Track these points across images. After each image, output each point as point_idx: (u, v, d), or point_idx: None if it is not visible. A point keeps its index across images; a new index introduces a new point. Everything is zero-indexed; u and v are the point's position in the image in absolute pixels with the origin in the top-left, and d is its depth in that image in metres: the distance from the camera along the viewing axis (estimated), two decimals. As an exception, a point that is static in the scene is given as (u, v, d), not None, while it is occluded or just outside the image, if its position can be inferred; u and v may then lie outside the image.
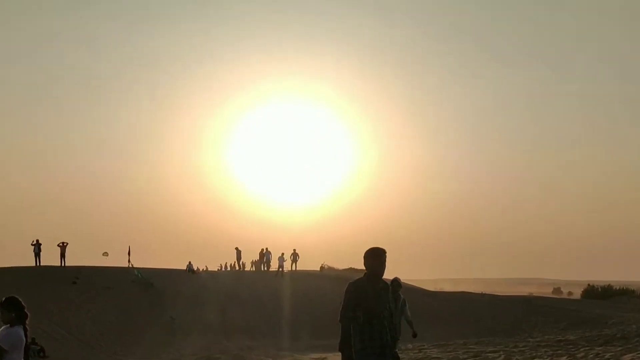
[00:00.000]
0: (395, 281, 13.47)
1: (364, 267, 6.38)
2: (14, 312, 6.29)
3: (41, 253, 44.62)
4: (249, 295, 41.74)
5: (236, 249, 54.63)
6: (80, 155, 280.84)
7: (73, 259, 45.41)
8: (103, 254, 51.49)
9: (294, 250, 51.63)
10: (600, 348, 18.45)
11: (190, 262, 50.42)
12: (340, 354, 6.27)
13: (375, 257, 6.33)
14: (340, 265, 64.47)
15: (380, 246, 6.38)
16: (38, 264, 44.28)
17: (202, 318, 36.19)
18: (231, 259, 57.83)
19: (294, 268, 51.09)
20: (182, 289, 41.61)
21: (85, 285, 38.87)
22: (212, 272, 55.22)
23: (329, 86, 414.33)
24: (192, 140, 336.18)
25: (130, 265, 47.45)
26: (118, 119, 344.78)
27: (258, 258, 54.94)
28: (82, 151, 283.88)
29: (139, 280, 41.56)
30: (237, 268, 55.35)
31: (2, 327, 6.33)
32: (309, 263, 56.70)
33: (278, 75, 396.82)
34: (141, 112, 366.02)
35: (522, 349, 20.42)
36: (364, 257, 6.35)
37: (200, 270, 53.13)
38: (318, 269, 59.18)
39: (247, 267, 56.45)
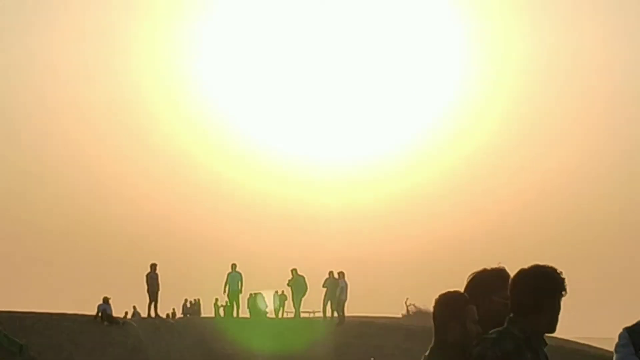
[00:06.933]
0: None
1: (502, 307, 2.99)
2: None
3: None
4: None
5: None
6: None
7: None
8: None
9: (336, 273, 30.20)
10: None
11: (106, 301, 30.84)
12: None
13: (545, 290, 2.87)
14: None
15: (547, 264, 2.98)
16: None
17: None
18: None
19: (335, 313, 30.17)
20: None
21: None
22: (153, 320, 31.87)
23: None
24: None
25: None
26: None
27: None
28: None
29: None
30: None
31: None
32: (370, 299, 38.08)
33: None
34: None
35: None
36: (512, 287, 2.88)
37: (127, 316, 33.16)
38: (399, 314, 35.40)
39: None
